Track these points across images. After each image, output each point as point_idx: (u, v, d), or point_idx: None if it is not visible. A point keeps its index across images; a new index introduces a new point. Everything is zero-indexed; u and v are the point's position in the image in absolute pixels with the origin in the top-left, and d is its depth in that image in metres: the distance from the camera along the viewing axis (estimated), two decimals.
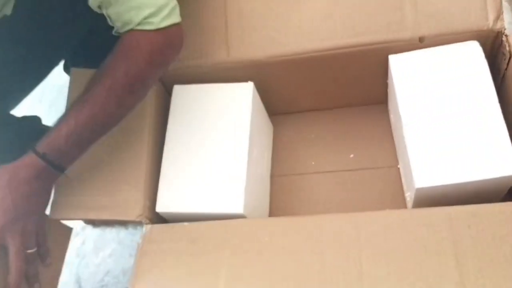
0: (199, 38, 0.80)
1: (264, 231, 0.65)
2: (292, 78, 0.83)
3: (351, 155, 0.87)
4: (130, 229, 1.01)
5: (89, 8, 0.72)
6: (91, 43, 0.91)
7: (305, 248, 0.62)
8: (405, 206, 0.79)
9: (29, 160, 0.64)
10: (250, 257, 0.64)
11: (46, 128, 0.92)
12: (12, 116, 0.83)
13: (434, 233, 0.60)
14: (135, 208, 0.70)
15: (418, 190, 0.65)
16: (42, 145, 0.64)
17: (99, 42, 0.84)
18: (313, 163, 0.88)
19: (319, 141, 0.90)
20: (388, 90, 0.83)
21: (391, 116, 0.84)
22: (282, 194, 0.87)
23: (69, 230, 0.90)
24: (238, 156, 0.72)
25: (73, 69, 0.83)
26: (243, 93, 0.77)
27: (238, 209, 0.69)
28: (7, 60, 0.75)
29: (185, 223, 0.68)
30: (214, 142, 0.74)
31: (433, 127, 0.67)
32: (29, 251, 0.65)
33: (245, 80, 0.79)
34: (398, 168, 0.83)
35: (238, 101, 0.77)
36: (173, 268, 0.65)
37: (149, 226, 0.69)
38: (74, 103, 0.66)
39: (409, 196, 0.71)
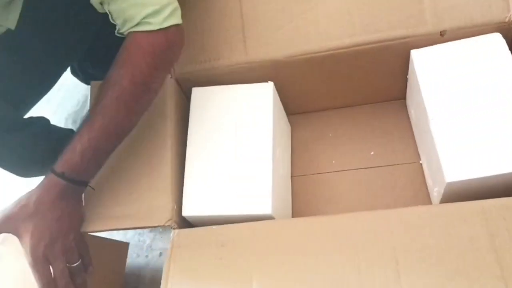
0: (216, 39, 0.79)
1: (294, 232, 0.65)
2: (310, 77, 0.82)
3: (372, 153, 0.86)
4: (138, 230, 1.00)
5: (94, 15, 0.71)
6: (98, 47, 0.91)
7: (338, 248, 0.62)
8: (429, 202, 0.79)
9: (50, 182, 0.65)
10: (282, 258, 0.63)
11: (55, 129, 0.92)
12: (23, 119, 0.82)
13: (469, 227, 0.59)
14: (163, 214, 0.69)
15: (448, 184, 0.64)
16: (60, 165, 0.64)
17: (106, 46, 0.83)
18: (333, 162, 0.87)
19: (338, 140, 0.89)
20: (408, 86, 0.82)
21: (412, 111, 0.83)
22: (303, 194, 0.86)
23: (125, 245, 0.91)
24: (262, 156, 0.72)
25: (92, 82, 0.82)
26: (264, 93, 0.77)
27: (266, 210, 0.68)
28: (16, 69, 0.75)
29: (213, 227, 0.67)
30: (236, 143, 0.73)
31: (460, 121, 0.66)
32: (74, 265, 0.66)
33: (262, 80, 0.78)
34: (420, 164, 0.83)
35: (259, 101, 0.76)
36: (204, 272, 0.64)
37: (176, 230, 0.68)
38: (86, 118, 0.65)
39: (437, 191, 0.70)
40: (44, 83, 0.83)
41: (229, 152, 0.73)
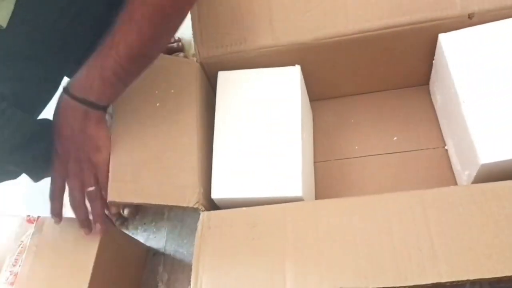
0: (242, 23, 0.79)
1: (326, 213, 0.64)
2: (336, 61, 0.82)
3: (395, 138, 0.86)
4: (131, 230, 1.00)
5: (94, 14, 0.71)
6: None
7: (371, 228, 0.61)
8: None
9: (58, 98, 0.68)
10: (315, 238, 0.62)
11: None
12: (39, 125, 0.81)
13: (504, 207, 0.59)
14: (192, 195, 0.68)
15: (482, 166, 0.64)
16: (68, 81, 0.67)
17: None
18: (356, 147, 0.87)
19: (360, 126, 0.89)
20: (434, 70, 0.82)
21: (437, 97, 0.83)
22: (326, 180, 0.86)
23: (145, 251, 0.93)
24: (291, 138, 0.71)
25: None
26: (291, 76, 0.76)
27: (297, 192, 0.68)
28: (17, 71, 0.72)
29: (243, 208, 0.67)
30: (264, 126, 0.73)
31: (491, 103, 0.66)
32: (89, 189, 0.68)
33: (288, 64, 0.78)
34: (445, 150, 0.82)
35: (286, 84, 0.76)
36: (236, 252, 0.64)
37: (205, 212, 0.68)
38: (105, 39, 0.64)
39: (468, 175, 0.70)
40: (49, 83, 0.80)
41: (257, 135, 0.73)
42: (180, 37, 1.18)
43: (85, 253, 0.75)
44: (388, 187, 0.82)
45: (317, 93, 0.90)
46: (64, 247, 0.72)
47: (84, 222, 0.70)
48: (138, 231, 1.00)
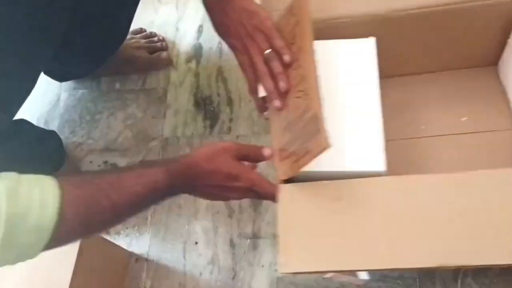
0: None
1: (412, 189, 0.62)
2: (409, 36, 0.79)
3: (463, 118, 0.83)
4: (113, 235, 0.97)
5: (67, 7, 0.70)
6: (76, 40, 0.88)
7: (464, 204, 0.59)
8: None
9: None
10: (402, 214, 0.60)
11: (41, 132, 0.91)
12: (13, 125, 0.79)
13: None
14: None
15: None
16: None
17: (84, 39, 0.83)
18: (423, 127, 0.84)
19: (428, 105, 0.86)
20: (507, 49, 0.79)
21: (510, 77, 0.80)
22: (392, 160, 0.83)
23: (127, 257, 0.91)
24: (371, 112, 0.69)
25: None
26: (366, 49, 0.74)
27: (379, 166, 0.65)
28: None
29: (325, 182, 0.64)
30: (341, 99, 0.70)
31: None
32: (265, 53, 0.69)
33: (359, 37, 0.75)
34: None
35: (361, 56, 0.73)
36: (320, 225, 0.61)
37: (286, 185, 0.65)
38: None
39: None
40: (25, 80, 0.78)
41: (334, 108, 0.69)
42: (164, 36, 1.15)
43: (63, 259, 0.73)
44: (458, 168, 0.80)
45: (384, 70, 0.87)
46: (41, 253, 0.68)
47: (273, 93, 0.69)
48: (120, 236, 0.96)
